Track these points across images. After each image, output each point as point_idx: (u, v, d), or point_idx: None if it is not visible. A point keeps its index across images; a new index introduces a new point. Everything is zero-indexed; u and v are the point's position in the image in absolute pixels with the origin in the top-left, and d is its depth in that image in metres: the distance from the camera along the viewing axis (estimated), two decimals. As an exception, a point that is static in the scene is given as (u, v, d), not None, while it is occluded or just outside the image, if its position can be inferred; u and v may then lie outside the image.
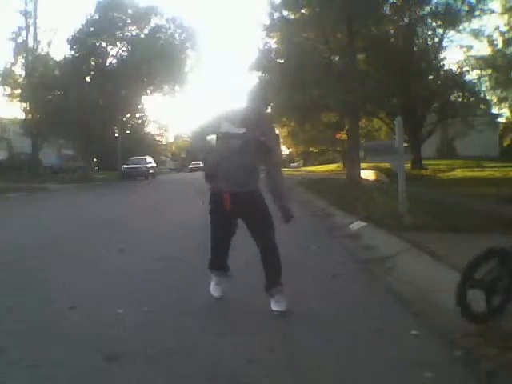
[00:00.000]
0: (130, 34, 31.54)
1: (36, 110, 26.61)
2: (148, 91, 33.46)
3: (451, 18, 19.93)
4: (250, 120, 3.06)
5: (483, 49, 29.49)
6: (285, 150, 69.51)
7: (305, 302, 3.23)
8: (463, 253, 4.02)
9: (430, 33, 21.89)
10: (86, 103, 24.47)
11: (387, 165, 14.78)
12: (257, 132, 3.01)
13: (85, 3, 70.85)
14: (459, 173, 18.51)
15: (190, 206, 10.66)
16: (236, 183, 3.03)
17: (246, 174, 3.04)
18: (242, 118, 3.08)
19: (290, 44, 18.36)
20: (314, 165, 57.04)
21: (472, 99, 22.30)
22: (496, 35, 21.67)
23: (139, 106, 37.32)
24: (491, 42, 21.76)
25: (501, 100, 23.76)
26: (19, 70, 28.23)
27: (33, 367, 2.28)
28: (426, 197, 8.45)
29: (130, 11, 30.84)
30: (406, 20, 20.34)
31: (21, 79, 27.83)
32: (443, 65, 22.90)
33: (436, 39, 21.97)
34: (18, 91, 27.59)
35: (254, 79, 20.93)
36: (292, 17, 18.54)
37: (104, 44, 30.74)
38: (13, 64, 27.81)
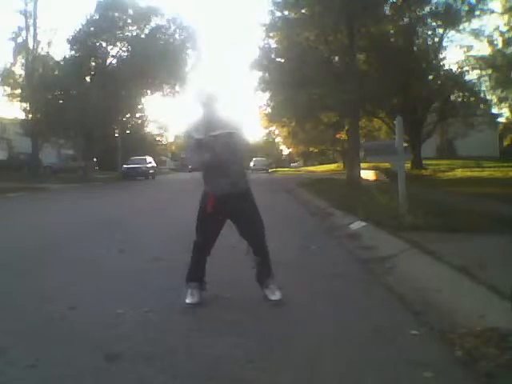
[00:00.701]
0: (130, 34, 31.54)
1: (36, 110, 26.62)
2: (148, 91, 33.46)
3: (451, 18, 19.91)
4: (210, 124, 3.17)
5: (483, 49, 29.45)
6: (285, 150, 69.62)
7: (305, 302, 3.23)
8: (463, 253, 4.03)
9: (430, 33, 21.89)
10: (86, 103, 24.48)
11: (387, 165, 14.78)
12: (219, 130, 3.12)
13: (85, 3, 70.82)
14: (459, 173, 18.51)
15: (190, 205, 10.66)
16: (222, 185, 3.15)
17: (228, 174, 3.15)
18: (203, 123, 3.19)
19: (290, 43, 18.34)
20: (314, 165, 57.05)
21: (472, 99, 22.30)
22: (496, 35, 21.70)
23: (139, 106, 37.31)
24: (491, 42, 21.78)
25: (501, 100, 23.77)
26: (19, 70, 28.27)
27: (33, 367, 2.28)
28: (426, 197, 8.44)
29: (130, 11, 30.85)
30: (406, 20, 20.32)
31: (21, 79, 27.84)
32: (443, 65, 22.93)
33: (436, 39, 21.97)
34: (18, 91, 27.61)
35: (254, 79, 20.93)
36: (292, 16, 18.52)
37: (104, 44, 30.74)
38: (12, 64, 27.83)
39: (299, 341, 2.56)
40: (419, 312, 2.93)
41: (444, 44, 22.30)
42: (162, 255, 4.85)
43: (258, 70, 20.11)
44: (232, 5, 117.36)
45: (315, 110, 19.76)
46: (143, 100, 36.01)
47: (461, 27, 21.11)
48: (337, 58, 19.00)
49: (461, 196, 9.27)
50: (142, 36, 31.33)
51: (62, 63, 29.22)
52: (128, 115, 36.35)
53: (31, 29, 27.57)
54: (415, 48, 21.67)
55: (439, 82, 22.20)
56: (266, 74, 20.18)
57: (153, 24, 31.95)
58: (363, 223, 6.21)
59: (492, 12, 20.99)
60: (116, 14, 30.14)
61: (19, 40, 27.49)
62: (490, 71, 21.57)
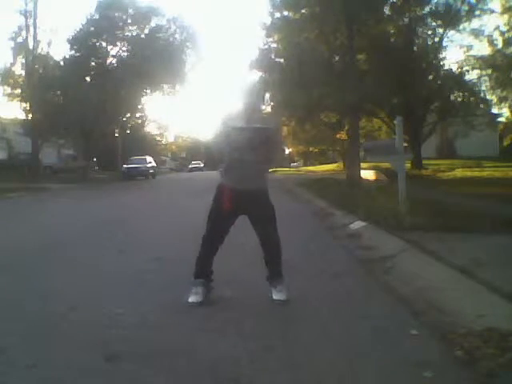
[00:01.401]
0: (130, 34, 31.57)
1: (36, 110, 26.63)
2: (148, 91, 33.48)
3: (451, 18, 19.94)
4: (252, 116, 3.13)
5: (483, 49, 29.48)
6: (285, 150, 69.63)
7: (305, 302, 3.23)
8: (463, 253, 4.03)
9: (430, 32, 21.89)
10: (86, 103, 24.48)
11: (387, 165, 14.76)
12: (259, 124, 3.10)
13: (85, 3, 70.91)
14: (459, 173, 18.50)
15: (190, 205, 10.66)
16: (245, 180, 3.11)
17: (254, 171, 3.11)
18: (244, 114, 3.14)
19: (290, 44, 18.35)
20: (314, 165, 57.01)
21: (472, 99, 22.29)
22: (496, 35, 21.71)
23: (139, 106, 37.34)
24: (491, 42, 21.78)
25: (501, 100, 23.78)
26: (19, 70, 28.28)
27: (33, 367, 2.28)
28: (426, 197, 8.44)
29: (130, 11, 30.87)
30: (406, 20, 20.33)
31: (21, 79, 27.85)
32: (443, 65, 22.92)
33: (436, 39, 21.96)
34: (18, 91, 27.61)
35: (253, 79, 20.90)
36: (292, 17, 18.52)
37: (104, 44, 30.77)
38: (12, 64, 27.83)
39: (299, 341, 2.56)
40: (419, 312, 2.92)
41: (444, 44, 22.31)
42: (162, 255, 4.85)
43: (258, 70, 20.12)
44: (232, 5, 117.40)
45: (315, 110, 19.76)
46: (143, 100, 36.08)
47: (461, 27, 21.14)
48: (337, 58, 19.00)
49: (461, 196, 9.26)
50: (142, 36, 31.37)
51: (61, 63, 29.25)
52: (128, 115, 36.37)
53: (31, 29, 27.59)
54: (415, 48, 21.67)
55: (439, 82, 22.19)
56: (266, 74, 20.18)
57: (153, 24, 31.99)
58: (363, 223, 6.21)
59: (492, 12, 21.03)
60: (116, 14, 30.17)
61: (19, 40, 27.51)
62: (490, 71, 21.58)
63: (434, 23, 21.09)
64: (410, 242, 4.66)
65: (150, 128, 50.35)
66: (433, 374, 2.10)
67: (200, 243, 3.28)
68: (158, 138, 56.60)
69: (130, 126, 41.43)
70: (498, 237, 4.72)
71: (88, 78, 29.98)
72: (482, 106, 23.37)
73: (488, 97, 23.14)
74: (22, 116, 28.41)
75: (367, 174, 18.36)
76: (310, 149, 46.02)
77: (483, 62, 21.59)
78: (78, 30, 29.87)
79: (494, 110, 27.30)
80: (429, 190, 11.06)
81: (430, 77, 22.25)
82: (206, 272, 3.26)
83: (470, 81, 22.30)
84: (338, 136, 30.63)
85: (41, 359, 2.37)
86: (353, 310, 3.07)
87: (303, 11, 17.70)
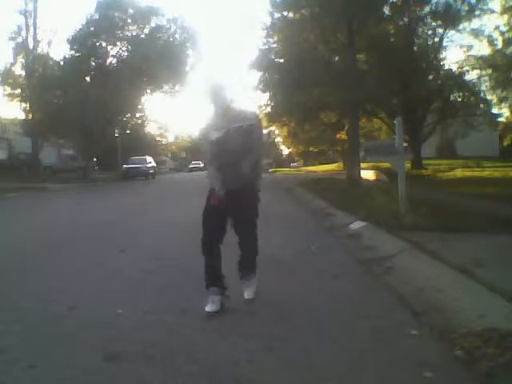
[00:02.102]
0: (130, 34, 31.57)
1: (36, 110, 26.63)
2: (148, 91, 33.50)
3: (451, 18, 19.91)
4: (228, 115, 3.08)
5: (483, 49, 29.48)
6: (285, 150, 69.62)
7: (305, 302, 3.23)
8: (463, 252, 4.03)
9: (430, 32, 21.87)
10: (86, 103, 24.49)
11: (387, 165, 14.78)
12: (239, 123, 3.06)
13: (85, 3, 70.89)
14: (459, 173, 18.49)
15: (190, 205, 10.66)
16: (230, 180, 3.08)
17: (241, 170, 3.08)
18: (220, 117, 3.10)
19: (289, 44, 18.34)
20: (314, 165, 57.04)
21: (472, 99, 22.28)
22: (496, 35, 21.70)
23: (139, 106, 37.32)
24: (491, 42, 21.77)
25: (501, 100, 23.76)
26: (19, 70, 28.28)
27: (33, 367, 2.28)
28: (426, 197, 8.44)
29: (130, 11, 30.86)
30: (405, 20, 20.32)
31: (21, 79, 27.85)
32: (443, 65, 22.91)
33: (436, 39, 21.95)
34: (18, 91, 27.61)
35: (253, 78, 20.90)
36: (292, 17, 18.52)
37: (104, 44, 30.77)
38: (12, 64, 27.83)
39: (299, 341, 2.56)
40: (419, 312, 2.92)
41: (444, 44, 22.29)
42: (163, 255, 4.85)
43: (258, 70, 20.11)
44: (232, 5, 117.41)
45: (315, 110, 19.76)
46: (143, 100, 36.06)
47: (461, 27, 21.12)
48: (337, 58, 19.00)
49: (461, 196, 9.26)
50: (142, 36, 31.37)
51: (61, 63, 29.24)
52: (128, 115, 36.35)
53: (31, 29, 27.64)
54: (415, 48, 21.65)
55: (439, 82, 22.18)
56: (266, 74, 20.17)
57: (153, 24, 31.99)
58: (363, 223, 6.21)
59: (492, 12, 21.01)
60: (116, 14, 30.17)
61: (19, 40, 27.52)
62: (490, 71, 21.57)
63: (434, 23, 21.08)
64: (409, 241, 4.66)
65: (150, 128, 50.34)
66: (433, 374, 2.10)
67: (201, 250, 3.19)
68: (158, 138, 56.58)
69: (129, 125, 41.39)
70: (498, 237, 4.72)
71: (88, 78, 29.98)
72: (482, 105, 23.36)
73: (488, 97, 23.14)
74: (22, 116, 28.45)
75: (367, 174, 18.36)
76: (310, 149, 46.02)
77: (483, 62, 21.58)
78: (77, 30, 29.87)
79: (494, 110, 27.32)
80: (429, 189, 11.06)
81: (430, 77, 22.24)
82: (217, 278, 3.13)
83: (470, 81, 22.29)
84: (337, 136, 30.64)
85: (41, 359, 2.37)
86: (353, 310, 3.07)
87: (303, 11, 17.69)
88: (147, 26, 31.86)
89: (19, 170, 26.02)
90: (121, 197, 15.19)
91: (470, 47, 22.20)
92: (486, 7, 20.53)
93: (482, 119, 24.01)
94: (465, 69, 22.26)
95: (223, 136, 3.06)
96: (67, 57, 29.55)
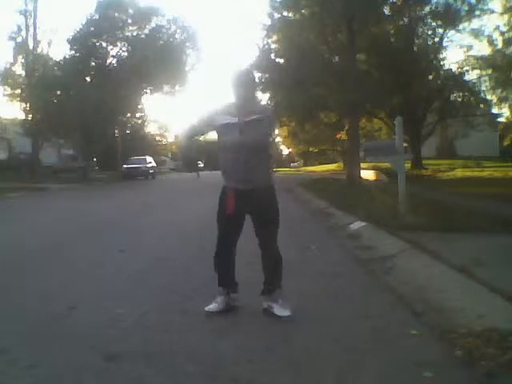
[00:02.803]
0: (130, 34, 31.57)
1: (36, 110, 26.63)
2: (148, 91, 33.51)
3: (451, 18, 19.91)
4: (245, 106, 2.92)
5: (483, 49, 29.54)
6: (285, 150, 69.60)
7: (305, 302, 3.23)
8: (463, 252, 4.03)
9: (430, 32, 21.88)
10: (86, 103, 24.49)
11: (387, 165, 14.75)
12: (253, 115, 2.88)
13: (85, 3, 70.91)
14: (459, 173, 18.51)
15: (190, 205, 10.67)
16: (241, 179, 2.90)
17: (251, 168, 2.87)
18: (237, 106, 2.94)
19: (289, 44, 18.34)
20: (314, 165, 57.02)
21: (472, 99, 22.29)
22: (496, 35, 21.71)
23: (139, 106, 37.34)
24: (491, 42, 21.78)
25: (501, 100, 23.78)
26: (19, 70, 28.28)
27: (33, 367, 2.28)
28: (425, 197, 8.44)
29: (130, 11, 30.87)
30: (405, 20, 20.32)
31: (21, 79, 27.85)
32: (443, 65, 22.92)
33: (436, 39, 21.96)
34: (18, 91, 27.62)
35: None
36: (292, 17, 18.52)
37: (104, 44, 30.78)
38: (12, 64, 27.83)
39: (299, 341, 2.56)
40: (419, 312, 2.92)
41: (444, 44, 22.32)
42: (163, 255, 4.85)
43: (258, 70, 20.09)
44: (232, 5, 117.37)
45: (315, 110, 19.77)
46: (143, 100, 36.08)
47: (461, 27, 21.14)
48: (337, 58, 19.00)
49: (461, 196, 9.26)
50: (142, 36, 31.36)
51: (61, 63, 29.24)
52: (128, 115, 36.36)
53: (31, 29, 27.62)
54: (415, 48, 21.66)
55: (439, 82, 22.19)
56: (266, 75, 20.17)
57: (153, 24, 31.99)
58: (363, 223, 6.21)
59: (492, 12, 21.02)
60: (116, 14, 30.17)
61: (19, 40, 27.52)
62: (490, 71, 21.58)
63: (434, 23, 21.08)
64: (409, 241, 4.66)
65: (150, 128, 50.35)
66: (433, 374, 2.10)
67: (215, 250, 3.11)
68: (158, 138, 56.55)
69: (129, 126, 41.41)
70: (498, 237, 4.72)
71: (88, 78, 29.97)
72: (482, 106, 23.37)
73: (488, 97, 23.16)
74: (22, 116, 28.44)
75: (367, 174, 18.37)
76: (310, 149, 46.03)
77: (483, 62, 21.60)
78: (77, 30, 29.88)
79: (494, 110, 27.34)
80: (429, 189, 11.06)
81: (430, 77, 22.25)
82: (227, 280, 3.07)
83: (470, 81, 22.30)
84: (337, 136, 30.64)
85: (41, 359, 2.37)
86: (353, 310, 3.07)
87: (303, 11, 17.70)
88: (147, 26, 31.86)
89: (19, 170, 26.02)
90: (121, 197, 15.19)
91: (469, 47, 22.25)
92: (486, 7, 20.56)
93: (481, 119, 24.02)
94: (465, 69, 22.29)
95: (232, 124, 2.90)
96: (67, 57, 29.56)
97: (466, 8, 20.17)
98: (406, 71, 18.80)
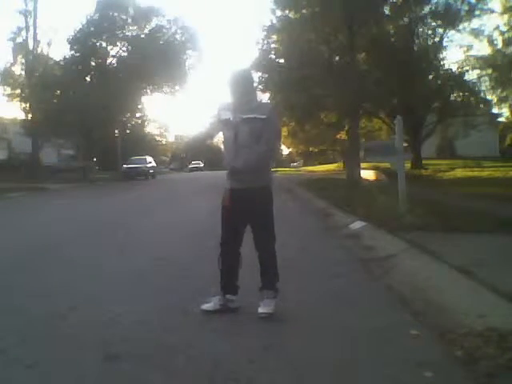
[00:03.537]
0: (130, 34, 31.57)
1: (36, 110, 26.63)
2: (148, 91, 33.51)
3: (451, 18, 19.92)
4: (242, 105, 2.94)
5: (483, 48, 29.49)
6: (285, 150, 69.63)
7: (305, 302, 3.23)
8: (463, 253, 4.03)
9: (429, 32, 21.88)
10: (86, 103, 24.49)
11: (387, 165, 14.78)
12: (251, 114, 2.89)
13: (85, 3, 70.91)
14: (459, 173, 18.49)
15: (190, 205, 10.67)
16: (238, 178, 2.93)
17: (251, 167, 2.89)
18: (234, 104, 2.97)
19: (290, 44, 18.35)
20: (314, 165, 56.97)
21: (472, 99, 22.28)
22: (496, 35, 21.70)
23: (139, 106, 37.35)
24: (491, 42, 21.77)
25: (501, 100, 23.77)
26: (19, 70, 28.29)
27: (33, 367, 2.28)
28: (425, 197, 8.44)
29: (130, 11, 30.87)
30: (405, 20, 20.33)
31: (21, 79, 27.85)
32: (443, 64, 22.92)
33: (436, 39, 21.96)
34: (18, 91, 27.61)
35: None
36: (292, 17, 18.53)
37: (104, 44, 30.78)
38: (12, 64, 27.84)
39: (299, 341, 2.56)
40: (419, 312, 2.92)
41: (444, 44, 22.30)
42: (163, 255, 4.85)
43: (258, 70, 20.12)
44: (232, 5, 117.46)
45: (315, 110, 19.77)
46: (143, 100, 36.09)
47: (461, 27, 21.14)
48: (337, 58, 19.01)
49: (461, 196, 9.26)
50: (142, 36, 31.38)
51: (62, 63, 29.25)
52: (128, 115, 36.36)
53: (31, 29, 27.64)
54: (415, 48, 21.66)
55: (439, 82, 22.19)
56: (266, 75, 20.18)
57: (153, 24, 32.00)
58: (363, 223, 6.21)
59: (492, 12, 21.02)
60: (116, 14, 30.18)
61: (19, 40, 27.53)
62: (490, 71, 21.57)
63: (434, 23, 21.09)
64: (409, 242, 4.66)
65: (150, 128, 50.35)
66: (433, 374, 2.10)
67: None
68: (158, 138, 56.55)
69: (129, 125, 41.41)
70: (498, 237, 4.72)
71: (88, 78, 29.98)
72: (482, 106, 23.37)
73: (488, 97, 23.15)
74: (22, 116, 28.44)
75: (367, 174, 18.36)
76: (310, 149, 46.01)
77: (483, 62, 21.58)
78: (77, 29, 29.88)
79: (494, 110, 27.34)
80: (429, 189, 11.06)
81: (430, 77, 22.24)
82: (225, 281, 3.06)
83: (470, 81, 22.29)
84: (337, 136, 30.63)
85: (41, 359, 2.37)
86: (353, 309, 3.07)
87: (303, 11, 17.71)
88: (147, 26, 31.88)
89: (19, 170, 26.02)
90: (121, 197, 15.19)
91: (469, 47, 22.22)
92: (486, 7, 20.56)
93: (482, 119, 24.01)
94: (465, 69, 22.27)
95: (230, 122, 2.93)
96: (67, 57, 29.56)
97: (466, 8, 20.18)
98: (405, 71, 18.80)
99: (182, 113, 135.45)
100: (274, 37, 20.07)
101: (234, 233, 3.03)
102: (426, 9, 20.03)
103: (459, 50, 22.97)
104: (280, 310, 2.96)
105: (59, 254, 5.17)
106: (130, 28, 31.62)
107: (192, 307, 3.11)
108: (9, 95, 28.07)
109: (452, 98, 22.86)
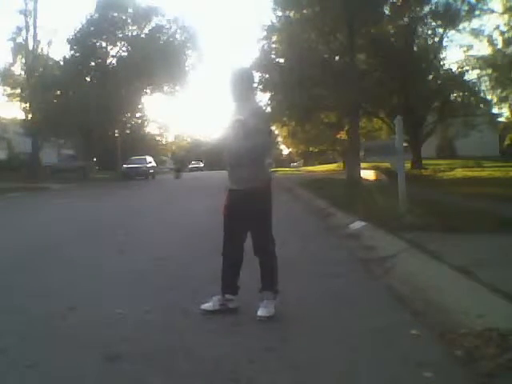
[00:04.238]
0: (130, 34, 31.60)
1: (36, 110, 26.64)
2: (148, 91, 33.53)
3: (451, 18, 19.94)
4: (238, 106, 2.96)
5: (483, 48, 29.50)
6: (285, 150, 69.63)
7: (305, 302, 3.23)
8: (463, 252, 4.03)
9: (429, 32, 21.90)
10: (86, 103, 24.50)
11: (387, 165, 14.77)
12: (240, 116, 2.89)
13: (85, 3, 70.92)
14: (459, 173, 18.49)
15: (190, 205, 10.66)
16: (234, 180, 2.95)
17: (240, 169, 2.89)
18: (232, 105, 3.00)
19: (290, 44, 18.37)
20: (314, 165, 56.97)
21: (472, 99, 22.29)
22: (496, 35, 21.71)
23: (139, 106, 37.36)
24: (491, 42, 21.78)
25: (501, 100, 23.77)
26: (19, 70, 28.30)
27: (33, 367, 2.28)
28: (425, 197, 8.43)
29: (130, 11, 30.89)
30: (405, 20, 20.34)
31: (21, 79, 27.86)
32: (443, 64, 22.93)
33: (436, 39, 21.97)
34: (18, 91, 27.63)
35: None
36: (292, 17, 18.54)
37: (104, 44, 30.83)
38: (12, 64, 27.84)
39: (299, 341, 2.56)
40: (419, 312, 2.92)
41: (444, 44, 22.34)
42: (162, 255, 4.85)
43: (258, 70, 20.13)
44: (233, 5, 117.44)
45: (315, 110, 19.80)
46: (143, 100, 36.10)
47: (461, 27, 21.17)
48: (337, 58, 19.02)
49: (460, 196, 9.26)
50: (142, 36, 31.41)
51: (61, 63, 29.26)
52: (128, 115, 36.36)
53: (31, 29, 27.64)
54: (415, 48, 21.68)
55: (439, 82, 22.20)
56: (266, 75, 20.20)
57: (153, 24, 32.03)
58: (363, 223, 6.21)
59: (492, 12, 21.03)
60: (116, 14, 30.23)
61: (19, 40, 27.54)
62: (490, 71, 21.57)
63: (434, 23, 21.10)
64: (409, 241, 4.66)
65: (150, 128, 50.30)
66: (433, 374, 2.10)
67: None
68: (158, 138, 56.52)
69: (129, 126, 41.41)
70: (498, 237, 4.71)
71: (88, 78, 30.00)
72: (482, 106, 23.37)
73: (488, 97, 23.16)
74: (22, 116, 28.44)
75: (367, 174, 18.36)
76: (310, 149, 46.03)
77: (483, 62, 21.59)
78: (77, 29, 29.92)
79: (494, 110, 27.34)
80: (429, 189, 11.05)
81: (430, 77, 22.26)
82: (226, 283, 3.04)
83: (470, 81, 22.30)
84: (337, 136, 30.66)
85: (41, 359, 2.37)
86: (353, 309, 3.07)
87: (304, 11, 17.73)
88: (147, 26, 31.92)
89: (19, 170, 26.02)
90: (121, 197, 15.19)
91: (469, 47, 22.23)
92: (486, 7, 20.58)
93: (481, 119, 24.01)
94: (465, 69, 22.28)
95: (228, 123, 2.96)
96: (67, 57, 29.58)
97: (466, 8, 20.20)
98: (405, 71, 18.82)
99: (181, 113, 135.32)
100: (275, 37, 20.09)
101: (235, 233, 3.02)
102: (426, 9, 20.05)
103: (459, 49, 23.00)
104: (280, 310, 2.96)
105: (59, 254, 5.17)
106: (130, 28, 31.67)
107: (192, 307, 3.11)
108: (9, 95, 28.09)
109: (452, 97, 22.87)
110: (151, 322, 2.88)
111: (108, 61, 31.39)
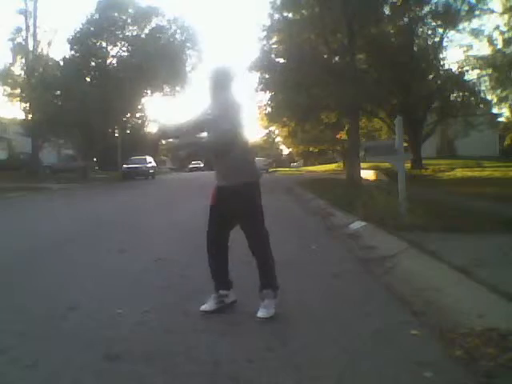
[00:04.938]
0: (130, 34, 31.58)
1: (36, 110, 26.63)
2: (148, 91, 33.50)
3: (451, 18, 19.92)
4: (212, 103, 3.00)
5: (483, 48, 29.49)
6: (285, 150, 69.62)
7: (305, 302, 3.23)
8: (463, 252, 4.03)
9: (429, 32, 21.87)
10: (86, 103, 24.49)
11: (387, 165, 14.77)
12: (211, 113, 2.95)
13: (85, 3, 70.87)
14: (459, 173, 18.50)
15: (190, 205, 10.66)
16: (218, 176, 3.00)
17: (220, 165, 2.97)
18: (211, 103, 3.03)
19: (290, 44, 18.37)
20: (314, 164, 56.97)
21: (472, 99, 22.28)
22: (496, 35, 21.68)
23: (139, 106, 37.32)
24: (491, 42, 21.76)
25: (501, 100, 23.74)
26: (19, 70, 28.29)
27: (33, 367, 2.28)
28: (425, 197, 8.44)
29: (130, 11, 30.89)
30: (405, 20, 20.33)
31: (21, 79, 27.86)
32: (443, 64, 22.91)
33: (436, 39, 21.95)
34: (18, 91, 27.62)
35: (253, 79, 20.90)
36: (292, 17, 18.55)
37: (104, 44, 30.80)
38: (12, 64, 27.84)
39: (299, 341, 2.56)
40: (419, 312, 2.92)
41: (444, 44, 22.29)
42: (162, 255, 4.85)
43: (258, 70, 20.14)
44: (233, 5, 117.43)
45: (315, 110, 19.79)
46: (143, 100, 36.06)
47: (460, 27, 21.13)
48: (337, 58, 19.02)
49: (460, 196, 9.26)
50: (143, 36, 31.39)
51: (61, 63, 29.24)
52: (128, 115, 36.33)
53: (31, 29, 27.63)
54: (415, 48, 21.66)
55: (439, 82, 22.19)
56: (266, 75, 20.19)
57: (153, 24, 32.02)
58: (363, 223, 6.21)
59: (492, 12, 21.01)
60: (116, 14, 30.21)
61: (19, 40, 27.54)
62: (490, 71, 21.56)
63: (433, 23, 21.08)
64: (409, 241, 4.66)
65: (150, 128, 50.27)
66: (433, 374, 2.10)
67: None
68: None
69: (129, 126, 41.37)
70: (498, 237, 4.72)
71: (88, 78, 29.97)
72: (481, 106, 23.36)
73: (488, 97, 23.15)
74: (22, 116, 28.45)
75: (367, 174, 18.37)
76: (310, 149, 46.01)
77: (483, 62, 21.57)
78: (77, 30, 29.90)
79: (494, 110, 27.33)
80: (429, 189, 11.06)
81: (430, 77, 22.24)
82: (216, 277, 3.06)
83: (470, 81, 22.29)
84: (338, 136, 30.64)
85: (41, 359, 2.37)
86: (353, 309, 3.07)
87: (303, 11, 17.73)
88: (147, 26, 31.90)
89: (19, 170, 26.02)
90: (121, 197, 15.18)
91: (469, 47, 22.20)
92: (486, 7, 20.55)
93: (482, 119, 24.01)
94: (465, 69, 22.26)
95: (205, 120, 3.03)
96: (67, 57, 29.56)
97: (466, 8, 20.17)
98: (405, 71, 18.81)
99: (182, 113, 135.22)
100: (275, 37, 20.08)
101: (220, 231, 3.03)
102: (426, 9, 20.03)
103: (459, 49, 22.98)
104: (280, 310, 2.96)
105: (59, 254, 5.17)
106: (130, 28, 31.64)
107: (192, 307, 3.11)
108: (9, 95, 28.07)
109: (452, 97, 22.85)
110: (151, 322, 2.88)
111: (108, 61, 31.36)
